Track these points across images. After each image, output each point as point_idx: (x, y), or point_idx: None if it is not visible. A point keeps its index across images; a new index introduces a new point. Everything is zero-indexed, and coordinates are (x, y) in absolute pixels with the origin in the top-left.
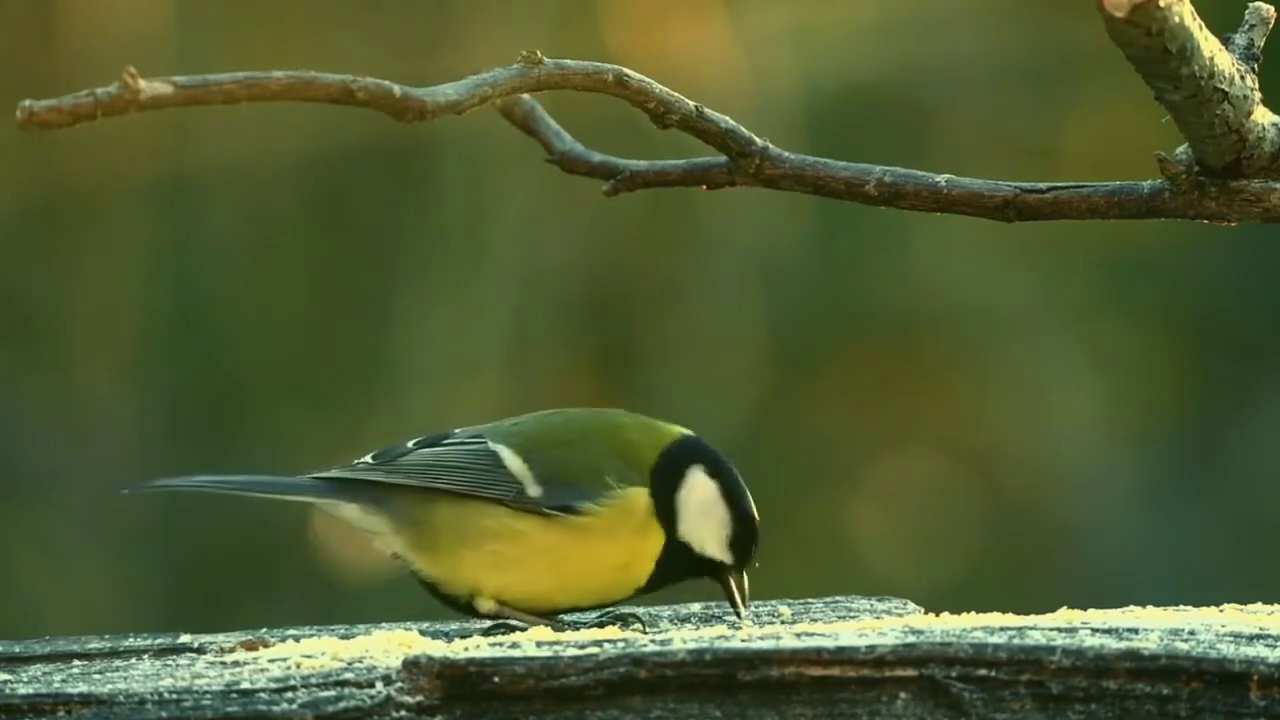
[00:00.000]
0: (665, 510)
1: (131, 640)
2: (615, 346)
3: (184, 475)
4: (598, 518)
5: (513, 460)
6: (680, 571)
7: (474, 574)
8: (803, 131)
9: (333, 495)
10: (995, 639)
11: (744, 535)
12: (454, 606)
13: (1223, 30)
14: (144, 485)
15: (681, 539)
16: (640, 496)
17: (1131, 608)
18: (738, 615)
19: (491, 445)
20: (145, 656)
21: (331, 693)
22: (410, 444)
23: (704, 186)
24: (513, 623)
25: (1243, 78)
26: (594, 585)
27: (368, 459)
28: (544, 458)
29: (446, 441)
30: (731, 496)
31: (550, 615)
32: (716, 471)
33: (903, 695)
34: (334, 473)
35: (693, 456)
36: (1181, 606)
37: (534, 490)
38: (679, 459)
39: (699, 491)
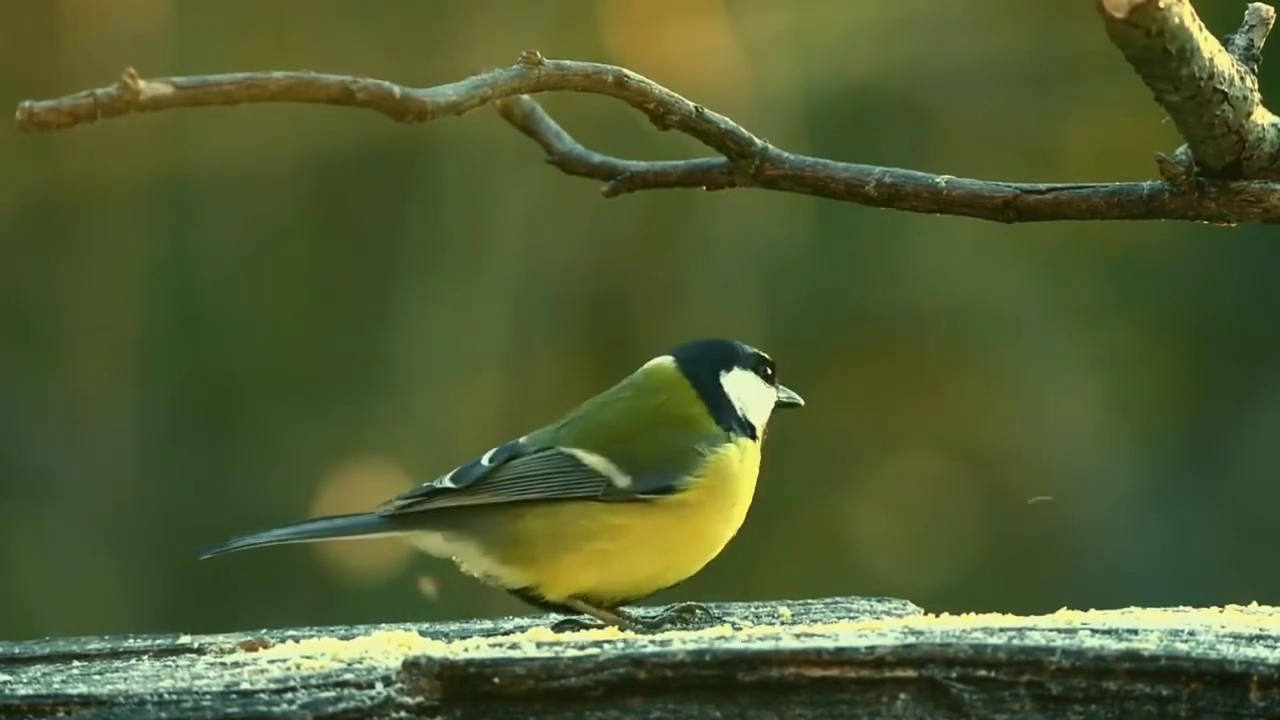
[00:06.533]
0: (740, 428)
1: (131, 641)
2: (615, 346)
3: (256, 533)
4: (698, 489)
5: (590, 458)
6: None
7: (576, 575)
8: (802, 132)
9: (412, 528)
10: (995, 640)
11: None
12: (546, 607)
13: (1223, 30)
14: (221, 549)
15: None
16: (731, 450)
17: (1131, 608)
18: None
19: (564, 450)
20: (145, 657)
21: (331, 693)
22: (485, 460)
23: (704, 187)
24: (584, 620)
25: (1242, 78)
26: (701, 553)
27: (447, 482)
28: (623, 450)
29: (526, 453)
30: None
31: (643, 600)
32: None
33: (903, 696)
34: (409, 505)
35: (705, 367)
36: (1181, 607)
37: (623, 481)
38: (707, 385)
39: (739, 387)
